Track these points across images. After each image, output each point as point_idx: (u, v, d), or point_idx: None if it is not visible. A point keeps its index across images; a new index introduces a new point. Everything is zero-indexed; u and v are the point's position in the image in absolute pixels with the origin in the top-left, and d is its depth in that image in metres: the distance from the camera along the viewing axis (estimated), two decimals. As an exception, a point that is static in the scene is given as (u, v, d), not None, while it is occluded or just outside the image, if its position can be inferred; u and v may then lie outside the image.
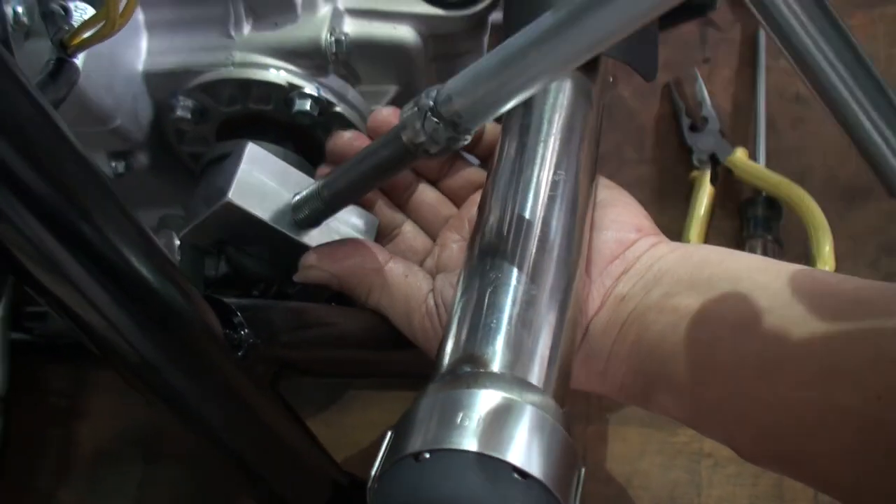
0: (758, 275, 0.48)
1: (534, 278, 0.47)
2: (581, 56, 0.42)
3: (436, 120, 0.47)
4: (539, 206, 0.50)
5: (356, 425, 0.80)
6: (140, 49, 0.66)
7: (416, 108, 0.48)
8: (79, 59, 0.46)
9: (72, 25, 0.46)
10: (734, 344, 0.46)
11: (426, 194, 0.63)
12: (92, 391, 0.87)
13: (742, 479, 0.72)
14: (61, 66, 0.44)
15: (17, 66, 0.31)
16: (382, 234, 0.63)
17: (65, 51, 0.43)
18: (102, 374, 0.88)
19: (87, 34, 0.42)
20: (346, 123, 0.67)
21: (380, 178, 0.56)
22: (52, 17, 0.47)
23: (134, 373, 0.41)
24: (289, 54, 0.64)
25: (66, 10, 0.47)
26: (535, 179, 0.51)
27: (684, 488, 0.73)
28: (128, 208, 0.37)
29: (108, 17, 0.39)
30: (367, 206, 0.63)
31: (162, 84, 0.66)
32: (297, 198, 0.59)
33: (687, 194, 0.84)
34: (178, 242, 0.63)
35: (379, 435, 0.78)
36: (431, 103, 0.47)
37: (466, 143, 0.49)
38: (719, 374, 0.46)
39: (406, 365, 0.61)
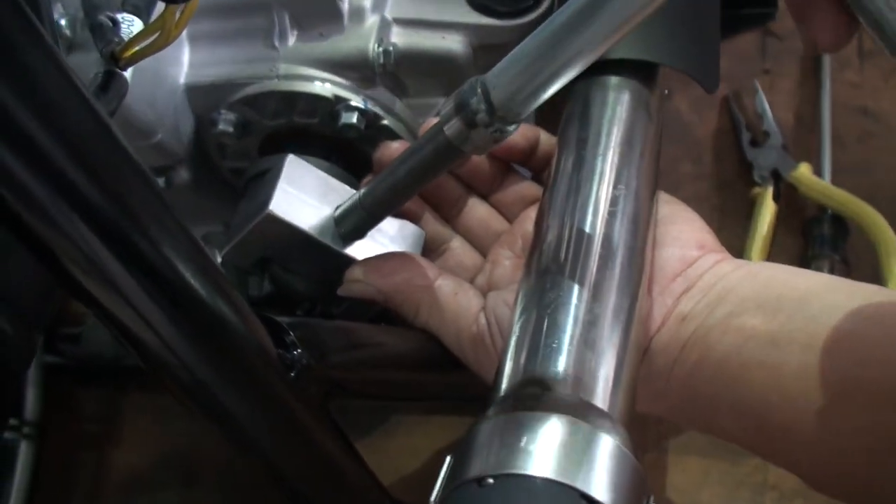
0: (828, 294, 0.48)
1: (596, 297, 0.47)
2: (616, 32, 0.43)
3: (478, 111, 0.48)
4: (599, 223, 0.50)
5: (400, 451, 0.81)
6: (182, 62, 0.67)
7: (457, 101, 0.49)
8: (127, 73, 0.47)
9: (121, 38, 0.47)
10: (804, 366, 0.45)
11: (476, 209, 0.64)
12: (126, 416, 0.88)
13: (810, 511, 0.71)
14: (111, 79, 0.45)
15: (78, 78, 0.32)
16: (430, 249, 0.63)
17: (116, 63, 0.44)
18: (137, 399, 0.89)
19: (140, 46, 0.43)
20: (393, 137, 0.67)
21: (422, 181, 0.56)
22: (100, 29, 0.48)
23: (185, 392, 0.42)
24: (335, 66, 0.65)
25: (115, 23, 0.48)
26: (594, 195, 0.52)
27: (748, 521, 0.73)
28: (183, 223, 0.38)
29: (164, 29, 0.40)
30: (413, 220, 0.63)
31: (204, 97, 0.67)
32: (340, 209, 0.59)
33: (748, 212, 0.84)
34: (219, 260, 0.64)
35: (423, 462, 0.79)
36: (473, 94, 0.48)
37: (510, 134, 0.50)
38: (787, 398, 0.46)
39: (458, 387, 0.61)
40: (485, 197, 0.64)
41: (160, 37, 0.41)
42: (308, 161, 0.63)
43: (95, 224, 0.34)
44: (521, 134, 0.61)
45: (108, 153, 0.34)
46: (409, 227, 0.62)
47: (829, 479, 0.47)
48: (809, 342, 0.46)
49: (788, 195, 0.85)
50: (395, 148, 0.61)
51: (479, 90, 0.48)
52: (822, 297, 0.47)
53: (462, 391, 0.62)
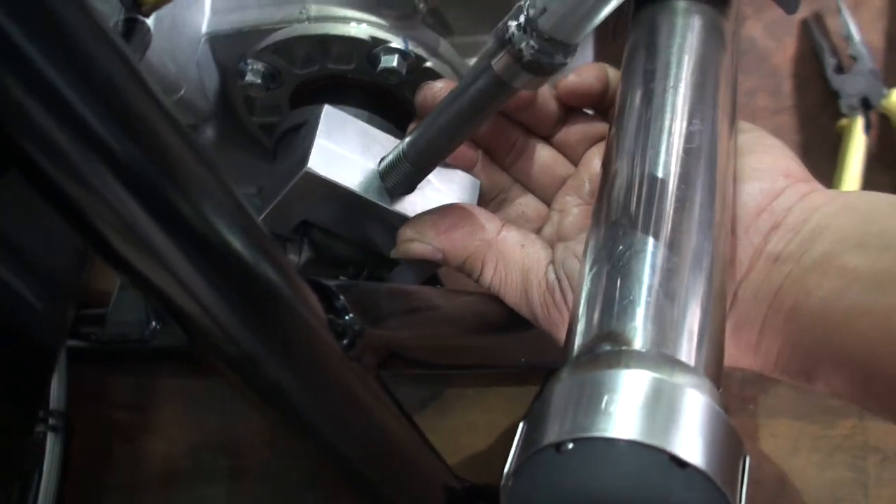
0: None
1: (674, 243, 0.47)
2: None
3: (526, 41, 0.47)
4: (674, 162, 0.50)
5: (457, 429, 0.82)
6: (203, 8, 0.68)
7: (501, 31, 0.48)
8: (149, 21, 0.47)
9: (142, -18, 0.47)
10: None
11: (538, 153, 0.63)
12: (158, 402, 0.90)
13: (919, 475, 0.71)
14: (133, 27, 0.45)
15: (107, 23, 0.32)
16: (486, 200, 0.63)
17: (138, 9, 0.45)
18: (168, 384, 0.90)
19: (165, -12, 0.43)
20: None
21: (470, 125, 0.55)
22: (118, -26, 0.48)
23: (231, 366, 0.43)
24: (371, 4, 0.65)
25: (133, -35, 0.48)
26: (666, 131, 0.51)
27: (848, 488, 0.73)
28: (227, 181, 0.38)
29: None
30: (465, 167, 0.63)
31: (228, 46, 0.68)
32: (384, 162, 0.59)
33: (834, 147, 0.84)
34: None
35: (484, 439, 0.80)
36: (518, 22, 0.48)
37: (567, 63, 0.49)
38: None
39: (521, 353, 0.62)
40: (546, 139, 0.64)
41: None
42: (346, 112, 0.63)
43: (130, 182, 0.35)
44: (594, 76, 0.61)
45: (141, 105, 0.35)
46: (462, 177, 0.62)
47: None
48: None
49: (880, 126, 0.84)
50: (439, 88, 0.61)
51: (525, 16, 0.48)
52: None
53: (528, 356, 0.62)
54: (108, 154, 0.34)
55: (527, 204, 0.63)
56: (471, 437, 0.80)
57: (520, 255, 0.57)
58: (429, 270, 0.61)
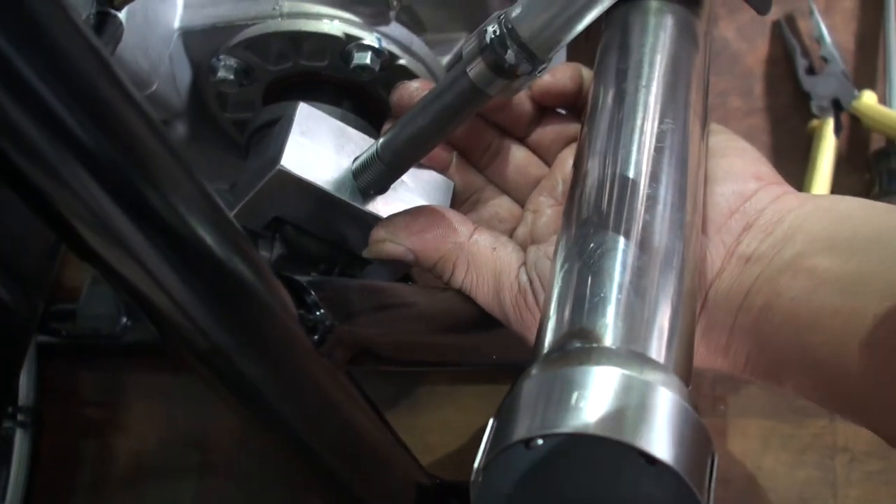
0: None
1: (644, 242, 0.47)
2: None
3: (503, 49, 0.48)
4: (645, 161, 0.50)
5: (429, 427, 0.82)
6: (176, 3, 0.67)
7: (479, 39, 0.49)
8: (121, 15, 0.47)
9: (114, -26, 0.47)
10: (886, 315, 0.45)
11: (512, 154, 0.64)
12: (128, 399, 0.90)
13: (887, 475, 0.72)
14: (105, 21, 0.45)
15: (79, 16, 0.32)
16: (460, 201, 0.64)
17: (110, 2, 0.45)
18: (139, 380, 0.90)
19: (137, -19, 0.43)
20: (410, 78, 0.67)
21: (445, 129, 0.56)
22: (89, -35, 0.48)
23: (200, 359, 0.43)
24: (345, 1, 0.65)
25: (105, -42, 0.48)
26: (638, 130, 0.51)
27: (816, 488, 0.73)
28: (197, 174, 0.38)
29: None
30: (439, 168, 0.63)
31: (201, 42, 0.68)
32: (357, 161, 0.59)
33: (805, 148, 0.84)
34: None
35: (456, 436, 0.80)
36: (496, 31, 0.48)
37: (540, 74, 0.50)
38: (867, 350, 0.46)
39: (494, 351, 0.62)
40: (521, 140, 0.64)
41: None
42: (319, 109, 0.63)
43: (101, 175, 0.35)
44: (568, 76, 0.61)
45: (113, 98, 0.34)
46: (435, 178, 0.63)
47: None
48: (888, 287, 0.45)
49: (851, 127, 0.85)
50: (414, 88, 0.61)
51: (502, 26, 0.48)
52: None
53: (500, 355, 0.62)
54: (80, 147, 0.34)
55: (500, 205, 0.63)
56: (443, 435, 0.80)
57: (491, 258, 0.57)
58: (401, 270, 0.61)
